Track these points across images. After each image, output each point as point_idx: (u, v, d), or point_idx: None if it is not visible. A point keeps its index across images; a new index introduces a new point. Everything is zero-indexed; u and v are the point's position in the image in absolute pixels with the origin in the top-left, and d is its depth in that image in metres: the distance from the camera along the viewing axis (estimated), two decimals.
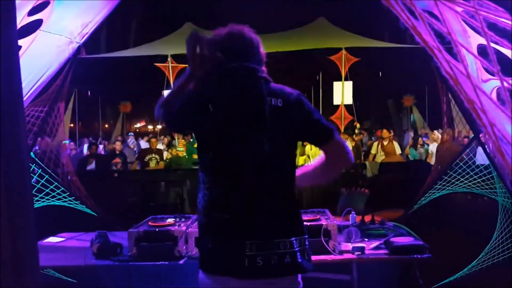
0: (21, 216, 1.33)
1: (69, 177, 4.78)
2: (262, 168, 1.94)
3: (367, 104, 18.63)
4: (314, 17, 14.81)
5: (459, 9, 1.48)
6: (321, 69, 15.18)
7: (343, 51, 12.12)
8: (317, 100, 16.41)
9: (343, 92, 12.29)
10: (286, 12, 16.31)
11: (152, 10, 17.46)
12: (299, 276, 2.01)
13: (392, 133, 11.13)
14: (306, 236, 2.00)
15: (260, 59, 2.15)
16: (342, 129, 12.15)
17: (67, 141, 10.88)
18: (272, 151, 1.95)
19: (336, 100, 12.60)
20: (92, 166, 10.26)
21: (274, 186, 1.96)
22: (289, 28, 14.34)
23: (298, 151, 10.40)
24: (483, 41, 2.74)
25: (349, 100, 12.42)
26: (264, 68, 2.15)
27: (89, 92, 17.21)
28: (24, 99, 4.22)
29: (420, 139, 11.99)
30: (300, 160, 10.38)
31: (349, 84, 12.43)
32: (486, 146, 4.49)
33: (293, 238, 1.94)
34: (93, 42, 4.79)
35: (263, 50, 2.18)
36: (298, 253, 1.93)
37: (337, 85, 12.55)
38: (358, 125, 12.40)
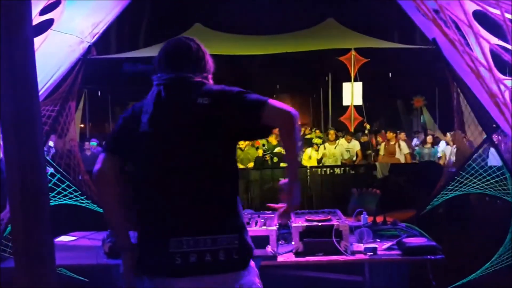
0: (37, 213, 1.33)
1: (80, 176, 4.79)
2: (187, 167, 1.95)
3: (377, 105, 18.52)
4: (323, 18, 14.79)
5: (477, 3, 1.46)
6: (330, 70, 15.14)
7: (353, 52, 12.08)
8: (326, 101, 16.36)
9: (352, 93, 12.25)
10: (295, 13, 16.29)
11: (162, 11, 17.50)
12: (246, 273, 1.97)
13: (394, 134, 11.05)
14: (236, 235, 1.96)
15: (198, 65, 2.13)
16: (352, 129, 12.10)
17: (95, 143, 10.93)
18: (199, 151, 1.95)
19: (346, 101, 12.56)
20: None
21: (202, 185, 1.95)
22: (298, 29, 14.32)
23: (310, 154, 10.39)
24: (496, 41, 2.71)
25: (358, 101, 12.38)
26: (206, 73, 2.15)
27: (99, 92, 17.29)
28: None
29: (430, 137, 11.88)
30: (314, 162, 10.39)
31: (358, 85, 12.38)
32: (499, 147, 4.45)
33: (219, 236, 1.92)
34: (103, 42, 4.80)
35: (206, 57, 2.18)
36: (220, 252, 1.91)
37: (346, 86, 12.52)
38: (368, 126, 12.32)
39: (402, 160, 10.51)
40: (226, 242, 1.92)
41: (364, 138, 11.92)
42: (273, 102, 1.94)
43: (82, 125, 16.74)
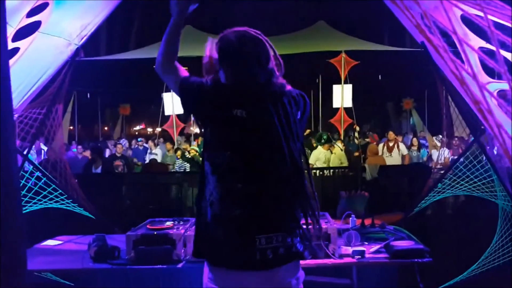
0: (9, 219, 1.31)
1: (67, 180, 4.75)
2: (274, 165, 2.02)
3: (367, 107, 18.61)
4: (313, 20, 14.82)
5: (464, 7, 1.47)
6: (320, 72, 15.18)
7: (343, 54, 12.11)
8: (317, 103, 16.40)
9: (342, 95, 12.28)
10: (286, 15, 16.32)
11: (152, 12, 17.45)
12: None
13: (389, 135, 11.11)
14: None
15: (272, 63, 2.20)
16: (341, 132, 12.14)
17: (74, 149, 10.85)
18: (284, 148, 2.04)
19: (336, 103, 12.59)
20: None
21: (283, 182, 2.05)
22: (289, 32, 14.34)
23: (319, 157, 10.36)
24: (483, 44, 2.73)
25: (348, 103, 12.42)
26: (277, 72, 2.22)
27: (88, 94, 17.20)
28: (22, 100, 4.20)
29: (415, 139, 11.96)
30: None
31: (348, 87, 12.42)
32: (486, 149, 4.47)
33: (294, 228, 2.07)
34: (92, 44, 4.77)
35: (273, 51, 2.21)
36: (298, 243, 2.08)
37: (336, 88, 12.54)
38: (357, 128, 12.36)
39: (400, 162, 10.53)
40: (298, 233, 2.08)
41: (359, 141, 11.97)
42: None
43: (71, 127, 16.63)
